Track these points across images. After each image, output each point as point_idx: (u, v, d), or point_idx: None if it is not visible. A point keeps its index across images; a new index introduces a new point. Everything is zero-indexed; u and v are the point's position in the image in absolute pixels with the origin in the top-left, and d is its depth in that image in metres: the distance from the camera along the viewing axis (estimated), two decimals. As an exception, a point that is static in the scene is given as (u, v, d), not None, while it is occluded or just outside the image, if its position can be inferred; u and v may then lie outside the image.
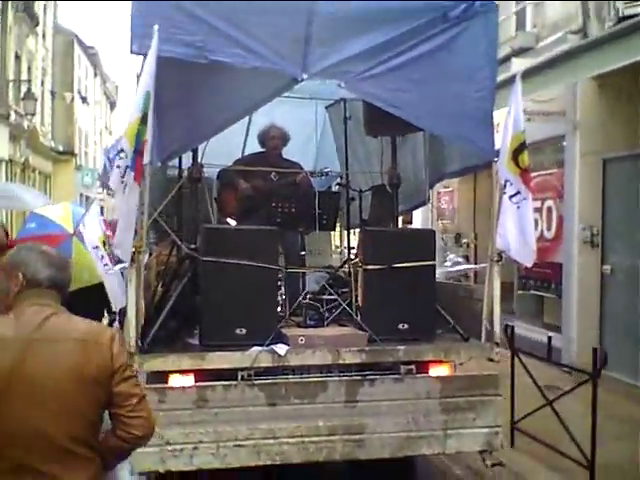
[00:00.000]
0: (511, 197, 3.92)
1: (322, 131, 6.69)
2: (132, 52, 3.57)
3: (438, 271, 5.00)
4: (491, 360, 4.20)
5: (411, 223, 12.01)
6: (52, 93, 22.31)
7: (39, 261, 2.10)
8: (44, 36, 21.87)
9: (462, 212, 11.87)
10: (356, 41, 3.75)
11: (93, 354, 2.01)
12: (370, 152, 5.94)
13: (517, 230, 3.94)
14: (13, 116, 16.83)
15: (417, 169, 5.39)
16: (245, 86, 3.81)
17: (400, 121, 4.20)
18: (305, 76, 3.70)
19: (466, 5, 3.84)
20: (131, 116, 3.29)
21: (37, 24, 19.82)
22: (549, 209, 8.77)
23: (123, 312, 4.29)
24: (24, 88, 17.40)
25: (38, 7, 20.32)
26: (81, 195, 25.59)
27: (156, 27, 3.31)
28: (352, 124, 5.81)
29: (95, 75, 32.30)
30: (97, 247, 6.55)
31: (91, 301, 6.75)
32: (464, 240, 11.56)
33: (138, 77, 3.45)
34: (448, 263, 10.35)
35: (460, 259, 10.74)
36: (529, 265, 4.20)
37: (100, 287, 6.37)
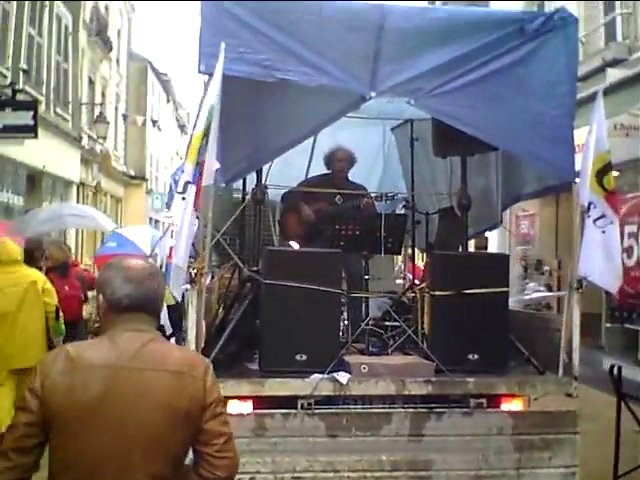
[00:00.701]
0: (595, 220, 3.68)
1: (387, 153, 6.55)
2: (200, 72, 3.55)
3: (513, 300, 4.73)
4: (569, 395, 3.90)
5: (486, 248, 11.60)
6: (124, 116, 22.78)
7: (118, 277, 1.91)
8: (118, 62, 22.34)
9: (543, 237, 11.36)
10: (427, 57, 3.61)
11: (187, 387, 1.86)
12: (437, 174, 5.75)
13: (602, 255, 3.70)
14: (85, 140, 17.21)
15: (489, 190, 5.16)
16: (312, 105, 3.72)
17: (470, 140, 4.03)
18: (373, 94, 3.58)
19: (544, 18, 3.65)
20: (193, 134, 3.26)
21: (111, 49, 20.18)
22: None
23: (169, 336, 4.29)
24: (97, 112, 17.75)
25: (112, 33, 20.71)
26: (150, 219, 26.30)
27: (223, 45, 3.27)
28: (419, 145, 5.66)
29: (167, 101, 33.03)
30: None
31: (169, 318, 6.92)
32: (545, 267, 11.05)
33: (202, 98, 3.42)
34: (528, 292, 9.88)
35: (541, 288, 10.20)
36: (614, 292, 3.92)
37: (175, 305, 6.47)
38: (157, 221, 26.61)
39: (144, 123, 25.18)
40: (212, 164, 3.33)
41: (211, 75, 3.35)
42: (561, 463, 3.61)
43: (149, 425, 1.80)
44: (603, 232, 3.78)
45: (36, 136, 10.13)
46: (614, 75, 7.88)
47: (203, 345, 3.92)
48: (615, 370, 4.50)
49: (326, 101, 3.68)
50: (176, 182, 3.29)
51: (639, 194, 8.29)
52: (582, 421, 3.74)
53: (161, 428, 1.81)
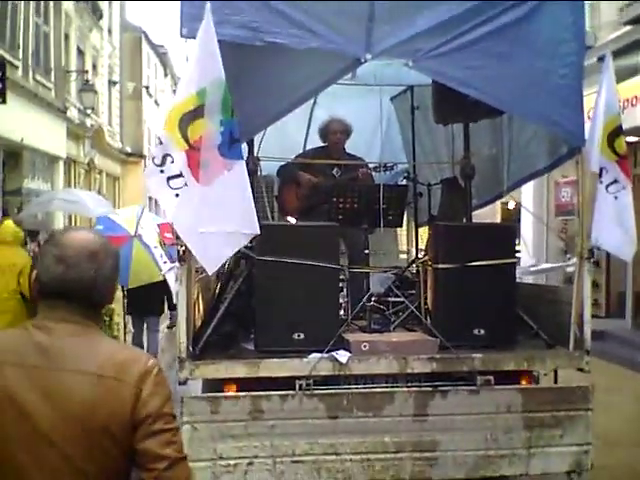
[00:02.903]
0: (608, 186, 3.50)
1: (387, 124, 6.32)
2: (182, 36, 3.33)
3: (520, 271, 4.56)
4: (581, 370, 3.74)
5: (519, 221, 10.99)
6: (112, 83, 21.03)
7: (49, 255, 1.55)
8: (110, 32, 20.92)
9: (589, 206, 11.03)
10: (425, 16, 3.37)
11: (108, 395, 1.48)
12: (439, 144, 5.54)
13: (615, 222, 3.53)
14: (75, 113, 16.05)
15: (494, 159, 4.93)
16: (303, 70, 3.50)
17: (474, 105, 3.82)
18: (369, 56, 3.35)
19: (550, -29, 3.40)
20: (171, 106, 3.06)
21: (101, 17, 18.82)
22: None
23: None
24: (82, 80, 16.13)
25: (102, 0, 19.37)
26: (150, 198, 25.89)
27: (208, 5, 3.04)
28: (419, 114, 5.45)
29: (165, 75, 31.44)
30: (156, 247, 6.68)
31: (152, 298, 6.89)
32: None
33: (189, 63, 3.20)
34: (570, 268, 9.69)
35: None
36: (629, 261, 3.75)
37: (160, 285, 6.43)
38: (157, 200, 26.02)
39: (138, 92, 23.66)
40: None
41: (194, 39, 3.13)
42: (573, 441, 3.47)
43: (57, 442, 1.45)
44: (615, 198, 3.62)
45: (4, 101, 9.29)
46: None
47: (199, 325, 3.79)
48: None
49: (319, 65, 3.46)
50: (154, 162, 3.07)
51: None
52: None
53: (71, 446, 1.45)
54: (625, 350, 8.74)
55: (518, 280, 4.21)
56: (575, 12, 3.55)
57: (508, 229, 4.05)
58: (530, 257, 9.86)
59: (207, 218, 3.05)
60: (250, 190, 3.18)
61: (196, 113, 3.03)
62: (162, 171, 3.00)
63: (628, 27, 9.27)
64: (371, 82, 5.05)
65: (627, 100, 8.41)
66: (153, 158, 3.04)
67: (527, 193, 11.59)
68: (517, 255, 11.24)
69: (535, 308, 3.99)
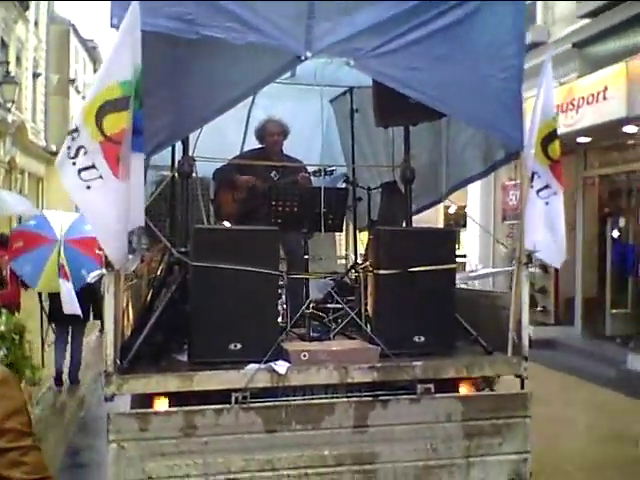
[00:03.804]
0: (539, 191, 3.51)
1: (327, 127, 6.23)
2: (112, 26, 3.11)
3: (460, 277, 4.53)
4: (519, 377, 3.73)
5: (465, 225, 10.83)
6: (34, 75, 19.93)
7: None
8: (37, 24, 19.99)
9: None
10: (366, 14, 3.28)
11: None
12: (379, 148, 5.48)
13: (546, 228, 3.53)
14: None
15: (433, 163, 4.91)
16: (241, 66, 3.34)
17: (414, 107, 3.76)
18: (309, 54, 3.23)
19: (491, -27, 3.37)
20: (91, 97, 2.85)
21: (27, 8, 17.89)
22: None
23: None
24: (3, 71, 15.15)
25: None
26: (77, 202, 24.69)
27: None
28: (359, 117, 5.38)
29: (95, 71, 29.52)
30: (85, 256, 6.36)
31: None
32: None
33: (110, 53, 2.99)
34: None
35: (534, 269, 10.01)
36: (558, 267, 3.76)
37: (86, 292, 6.12)
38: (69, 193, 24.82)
39: (64, 87, 22.27)
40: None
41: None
42: (512, 449, 3.43)
43: None
44: (547, 203, 3.62)
45: None
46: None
47: (129, 335, 3.57)
48: None
49: (257, 62, 3.31)
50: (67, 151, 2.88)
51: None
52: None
53: None
54: (575, 358, 8.57)
55: (461, 285, 4.19)
56: (515, 14, 3.53)
57: (448, 234, 4.01)
58: (477, 262, 9.89)
59: (122, 214, 2.90)
60: (142, 185, 3.04)
61: (118, 105, 2.84)
62: (74, 163, 2.83)
63: (586, 20, 9.09)
64: (311, 82, 4.92)
65: (582, 98, 8.28)
66: (68, 148, 2.83)
67: (473, 196, 11.56)
68: (463, 260, 11.34)
69: (475, 314, 3.97)
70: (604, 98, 7.84)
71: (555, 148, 3.62)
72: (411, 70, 3.30)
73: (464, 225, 11.10)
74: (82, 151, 2.86)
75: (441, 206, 9.90)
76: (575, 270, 9.83)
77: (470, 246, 11.32)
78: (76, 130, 2.81)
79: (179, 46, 3.17)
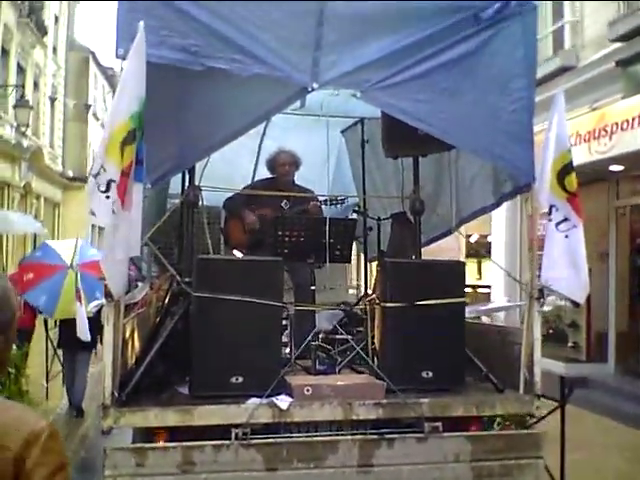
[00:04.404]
0: (557, 225, 3.42)
1: (338, 157, 6.23)
2: (117, 57, 3.13)
3: (469, 310, 4.44)
4: (531, 416, 3.60)
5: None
6: (51, 99, 19.98)
7: None
8: (55, 50, 20.04)
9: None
10: (374, 46, 3.26)
11: None
12: (389, 178, 5.45)
13: (566, 262, 3.45)
14: (9, 131, 15.06)
15: (442, 194, 4.85)
16: (246, 97, 3.34)
17: (423, 139, 3.72)
18: (316, 85, 3.21)
19: (500, 4, 3.34)
20: (109, 131, 2.86)
21: (45, 33, 17.89)
22: None
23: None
24: (18, 95, 15.08)
25: (48, 17, 18.39)
26: (93, 226, 24.93)
27: (141, 23, 2.86)
28: (370, 148, 5.36)
29: (114, 97, 30.92)
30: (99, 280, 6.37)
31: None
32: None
33: (119, 85, 3.01)
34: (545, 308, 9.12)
35: (564, 303, 9.44)
36: (581, 302, 3.66)
37: (95, 318, 6.09)
38: (102, 228, 25.03)
39: (82, 113, 22.39)
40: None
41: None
42: (523, 492, 3.30)
43: None
44: (566, 237, 3.54)
45: None
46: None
47: (132, 366, 3.52)
48: None
49: (263, 93, 3.30)
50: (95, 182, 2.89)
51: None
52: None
53: None
54: (609, 398, 7.92)
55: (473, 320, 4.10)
56: (526, 46, 3.49)
57: (457, 266, 3.92)
58: (502, 294, 9.53)
59: (125, 244, 2.91)
60: (140, 215, 3.03)
61: (129, 138, 2.85)
62: (108, 197, 2.81)
63: (617, 44, 8.45)
64: (319, 113, 4.92)
65: (616, 124, 7.80)
66: (98, 185, 2.83)
67: (498, 225, 11.06)
68: (487, 290, 10.93)
69: (485, 349, 3.86)
70: (640, 124, 7.50)
71: (572, 180, 3.55)
72: (418, 102, 3.27)
73: (488, 254, 10.71)
74: (113, 185, 2.85)
75: (463, 235, 9.57)
76: (608, 303, 9.30)
77: (495, 277, 10.82)
78: (102, 167, 2.82)
79: (184, 76, 3.17)
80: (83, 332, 5.56)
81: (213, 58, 3.11)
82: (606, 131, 7.96)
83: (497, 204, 4.50)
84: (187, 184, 4.06)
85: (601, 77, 8.55)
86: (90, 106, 24.55)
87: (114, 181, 2.86)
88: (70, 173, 21.59)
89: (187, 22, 3.09)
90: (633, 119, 7.53)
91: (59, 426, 6.68)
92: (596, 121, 8.15)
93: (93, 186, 2.88)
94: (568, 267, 3.48)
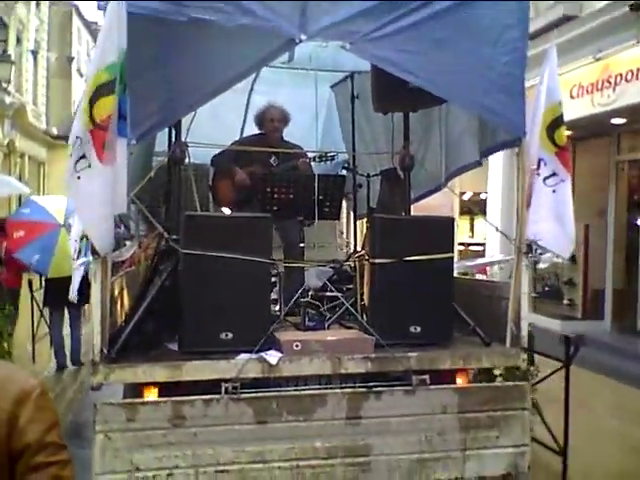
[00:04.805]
0: (545, 179, 3.42)
1: (328, 113, 6.14)
2: (99, 8, 3.05)
3: (457, 265, 4.45)
4: (517, 369, 3.65)
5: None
6: (32, 53, 19.32)
7: None
8: (38, 5, 19.57)
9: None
10: (362, -5, 3.17)
11: None
12: (380, 134, 5.38)
13: (553, 217, 3.44)
14: None
15: (432, 150, 4.81)
16: (233, 49, 3.25)
17: (413, 93, 3.67)
18: (304, 37, 3.13)
19: (493, -47, 3.25)
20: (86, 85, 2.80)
21: None
22: None
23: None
24: (0, 51, 14.68)
25: None
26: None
27: None
28: (359, 103, 5.28)
29: None
30: (77, 240, 6.33)
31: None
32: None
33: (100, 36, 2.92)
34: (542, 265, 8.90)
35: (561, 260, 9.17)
36: (566, 257, 3.67)
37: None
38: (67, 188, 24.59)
39: (66, 70, 21.71)
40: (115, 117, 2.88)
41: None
42: (509, 442, 3.37)
43: None
44: (554, 191, 3.53)
45: None
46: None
47: (122, 324, 3.52)
48: None
49: (250, 45, 3.21)
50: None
51: None
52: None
53: None
54: (605, 356, 7.70)
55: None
56: None
57: (446, 222, 3.91)
58: (498, 252, 9.14)
59: (107, 200, 2.87)
60: (125, 171, 2.99)
61: (106, 89, 2.78)
62: (71, 155, 2.78)
63: None
64: (308, 67, 4.83)
65: (620, 75, 7.53)
66: (72, 144, 2.81)
67: (495, 181, 10.77)
68: (480, 248, 10.76)
69: (473, 304, 3.89)
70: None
71: (562, 134, 3.52)
72: (409, 54, 3.20)
73: (483, 212, 10.53)
74: (77, 142, 2.84)
75: (455, 194, 9.37)
76: (606, 260, 9.15)
77: (491, 235, 10.54)
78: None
79: (168, 28, 3.08)
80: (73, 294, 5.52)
81: (197, 8, 3.01)
82: (610, 82, 7.70)
83: (484, 157, 4.47)
84: (173, 140, 4.01)
85: (606, 26, 8.11)
86: (73, 59, 23.89)
87: (79, 138, 2.82)
88: (55, 131, 20.97)
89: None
90: (638, 70, 7.27)
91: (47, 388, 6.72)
92: (600, 72, 7.87)
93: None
94: (554, 221, 3.48)
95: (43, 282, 6.83)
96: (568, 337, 4.42)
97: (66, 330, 7.09)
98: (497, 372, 4.22)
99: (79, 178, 2.84)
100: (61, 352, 7.02)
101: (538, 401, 4.35)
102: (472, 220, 13.41)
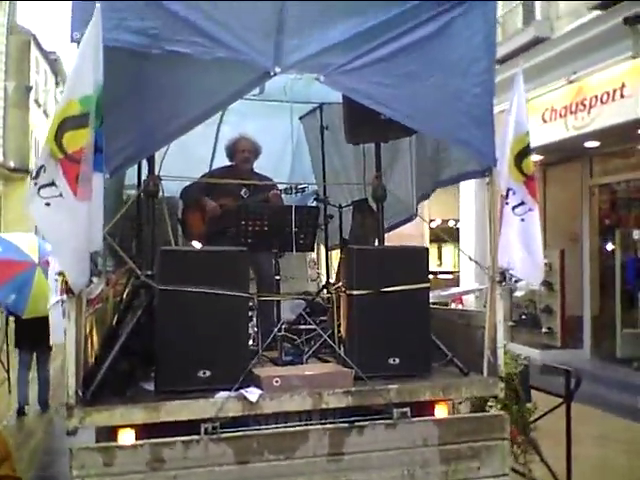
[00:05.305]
0: (514, 208, 3.47)
1: (297, 145, 6.16)
2: (72, 41, 2.98)
3: (433, 295, 4.46)
4: (495, 398, 3.66)
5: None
6: None
7: None
8: None
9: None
10: (336, 29, 3.21)
11: None
12: (350, 165, 5.43)
13: (522, 245, 3.49)
14: None
15: (403, 180, 4.86)
16: (208, 81, 3.24)
17: (385, 124, 3.71)
18: (278, 69, 3.14)
19: (460, -13, 3.34)
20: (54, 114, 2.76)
21: None
22: None
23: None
24: None
25: None
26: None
27: (98, 5, 2.74)
28: (329, 134, 5.31)
29: (57, 84, 28.64)
30: (56, 279, 6.15)
31: (47, 329, 6.32)
32: (544, 261, 10.31)
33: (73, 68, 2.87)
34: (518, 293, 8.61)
35: (538, 288, 8.60)
36: (536, 286, 3.72)
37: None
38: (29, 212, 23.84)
39: (24, 100, 21.32)
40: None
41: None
42: (490, 473, 3.35)
43: None
44: (522, 220, 3.58)
45: None
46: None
47: (93, 364, 3.40)
48: None
49: (224, 78, 3.21)
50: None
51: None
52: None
53: None
54: (586, 386, 6.99)
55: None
56: (486, 29, 3.49)
57: (420, 252, 3.92)
58: (473, 280, 9.06)
59: (82, 236, 2.79)
60: (102, 206, 2.94)
61: (78, 122, 2.73)
62: (35, 183, 2.74)
63: (596, 12, 7.74)
64: (281, 99, 4.85)
65: (595, 97, 7.39)
66: (34, 174, 2.74)
67: (467, 211, 10.61)
68: (449, 277, 10.64)
69: (449, 334, 3.90)
70: (621, 96, 6.99)
71: (529, 164, 3.59)
72: (381, 86, 3.24)
73: (452, 240, 10.43)
74: (42, 169, 2.77)
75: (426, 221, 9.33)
76: (582, 286, 9.05)
77: (465, 263, 10.41)
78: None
79: (143, 61, 3.05)
80: (56, 336, 5.27)
81: (173, 41, 3.00)
82: (584, 105, 7.59)
83: (454, 180, 4.54)
84: (145, 174, 3.95)
85: (580, 47, 8.06)
86: (31, 88, 23.42)
87: (44, 166, 2.75)
88: (11, 164, 20.56)
89: (146, 4, 2.97)
90: (614, 91, 7.15)
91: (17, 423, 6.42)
92: (574, 94, 7.77)
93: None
94: (523, 250, 3.53)
95: (12, 323, 6.60)
96: (569, 371, 4.39)
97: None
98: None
99: (48, 205, 2.76)
100: (24, 393, 6.77)
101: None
102: (440, 248, 13.49)
